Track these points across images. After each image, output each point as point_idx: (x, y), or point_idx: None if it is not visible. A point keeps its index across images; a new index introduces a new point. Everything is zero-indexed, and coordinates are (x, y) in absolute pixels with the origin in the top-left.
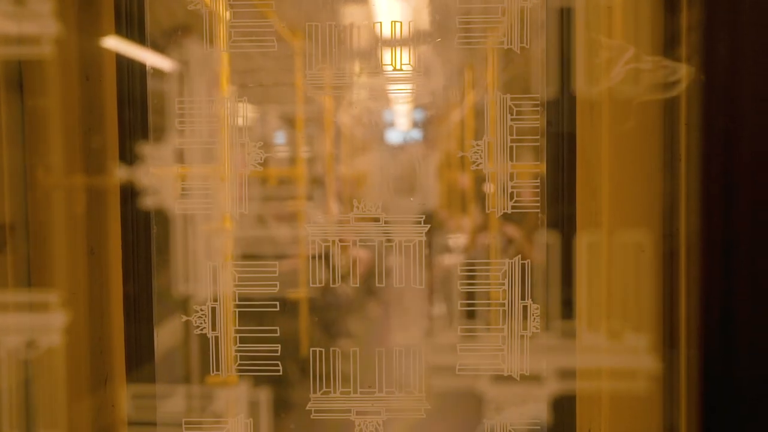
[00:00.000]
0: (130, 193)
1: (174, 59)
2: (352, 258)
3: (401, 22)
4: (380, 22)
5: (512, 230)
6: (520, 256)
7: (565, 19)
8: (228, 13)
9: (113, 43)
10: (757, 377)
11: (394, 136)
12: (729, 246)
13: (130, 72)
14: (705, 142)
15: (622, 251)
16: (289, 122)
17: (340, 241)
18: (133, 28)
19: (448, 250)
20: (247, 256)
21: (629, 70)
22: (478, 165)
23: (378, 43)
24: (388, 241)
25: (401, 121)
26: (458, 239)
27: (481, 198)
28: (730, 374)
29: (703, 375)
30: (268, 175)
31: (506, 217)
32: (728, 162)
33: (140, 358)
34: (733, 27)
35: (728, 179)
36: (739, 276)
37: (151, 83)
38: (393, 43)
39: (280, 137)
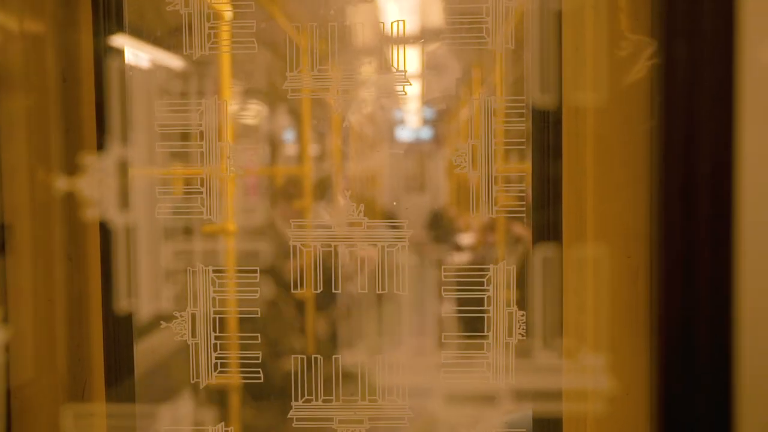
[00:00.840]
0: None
1: (156, 58)
2: (334, 263)
3: (384, 23)
4: (365, 23)
5: (520, 230)
6: (504, 261)
7: (552, 21)
8: (211, 13)
9: (91, 42)
10: (717, 390)
11: (384, 138)
12: (689, 254)
13: (109, 72)
14: (664, 148)
15: (607, 258)
16: (282, 125)
17: (322, 246)
18: (110, 23)
19: (434, 253)
20: (229, 262)
21: (649, 66)
22: (462, 168)
23: (362, 44)
24: (371, 245)
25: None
26: (447, 242)
27: (471, 202)
28: (691, 387)
29: (665, 388)
30: (269, 177)
31: (492, 221)
32: (688, 167)
33: (120, 367)
34: (692, 32)
35: (688, 185)
36: (699, 285)
37: (131, 84)
38: (383, 43)
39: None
